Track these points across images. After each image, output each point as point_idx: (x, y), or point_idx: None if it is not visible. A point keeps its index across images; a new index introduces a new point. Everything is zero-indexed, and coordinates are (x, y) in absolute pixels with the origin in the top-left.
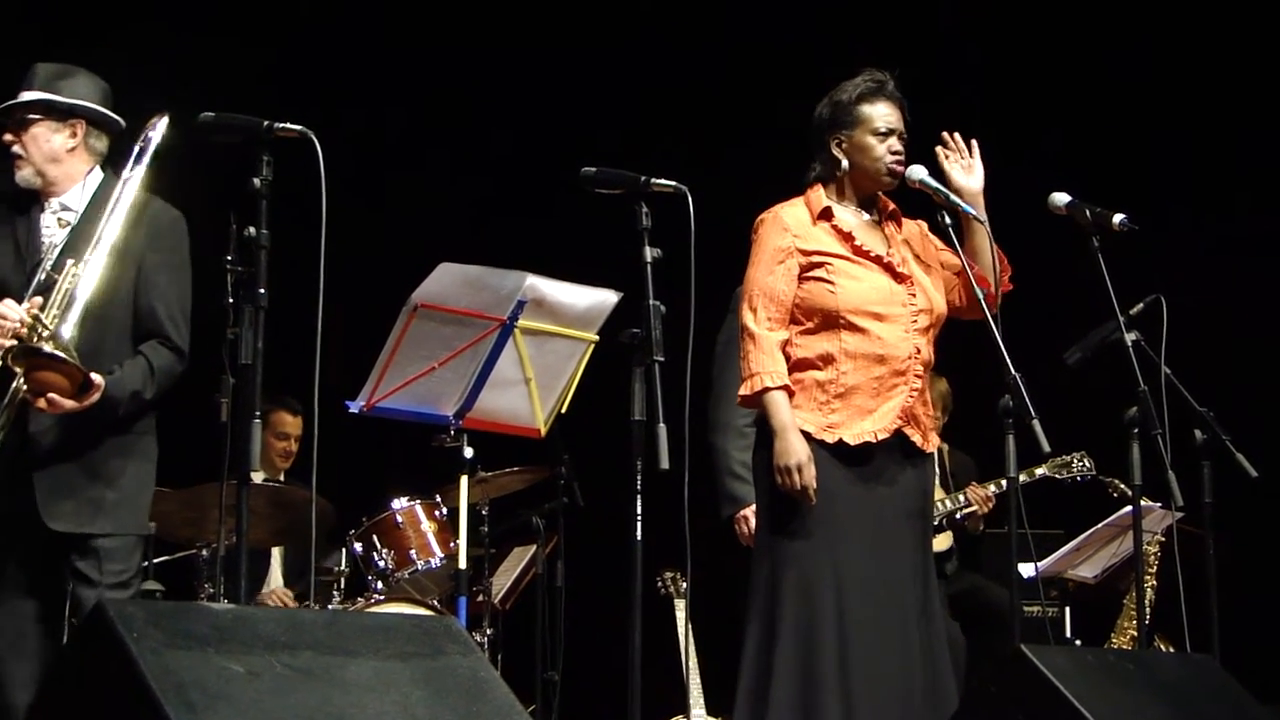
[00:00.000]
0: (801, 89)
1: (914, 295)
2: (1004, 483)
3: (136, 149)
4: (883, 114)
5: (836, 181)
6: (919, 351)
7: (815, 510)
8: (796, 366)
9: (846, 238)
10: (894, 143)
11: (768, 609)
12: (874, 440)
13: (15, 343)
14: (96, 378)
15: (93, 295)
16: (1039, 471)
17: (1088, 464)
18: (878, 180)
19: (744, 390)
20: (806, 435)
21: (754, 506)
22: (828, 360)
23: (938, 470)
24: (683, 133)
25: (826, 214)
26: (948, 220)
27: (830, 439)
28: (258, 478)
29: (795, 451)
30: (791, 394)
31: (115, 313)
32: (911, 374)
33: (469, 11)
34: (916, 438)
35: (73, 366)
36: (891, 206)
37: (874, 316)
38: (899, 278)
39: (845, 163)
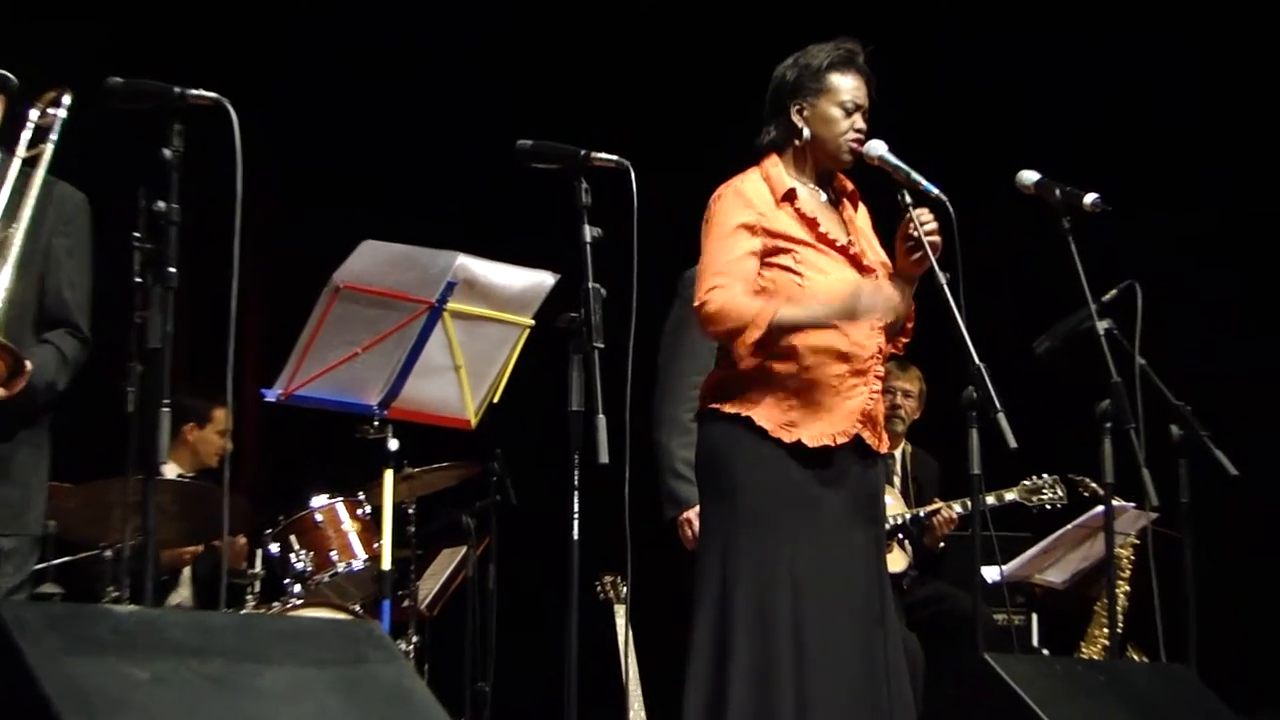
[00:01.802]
0: (756, 56)
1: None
2: (969, 502)
3: (32, 128)
4: (851, 87)
5: (794, 151)
6: (880, 351)
7: (768, 513)
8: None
9: (811, 224)
10: (858, 120)
11: (717, 620)
12: (833, 444)
13: None
14: (28, 363)
15: (10, 283)
16: (1008, 496)
17: (1060, 492)
18: (836, 157)
19: (748, 343)
20: (762, 432)
21: (698, 508)
22: (788, 354)
23: (899, 474)
24: (625, 104)
25: (790, 196)
26: (908, 199)
27: (788, 438)
28: (170, 472)
29: (847, 292)
30: (754, 378)
31: (25, 299)
32: (872, 374)
33: None
34: (872, 441)
35: (6, 349)
36: (850, 187)
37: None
38: (863, 270)
39: (806, 132)
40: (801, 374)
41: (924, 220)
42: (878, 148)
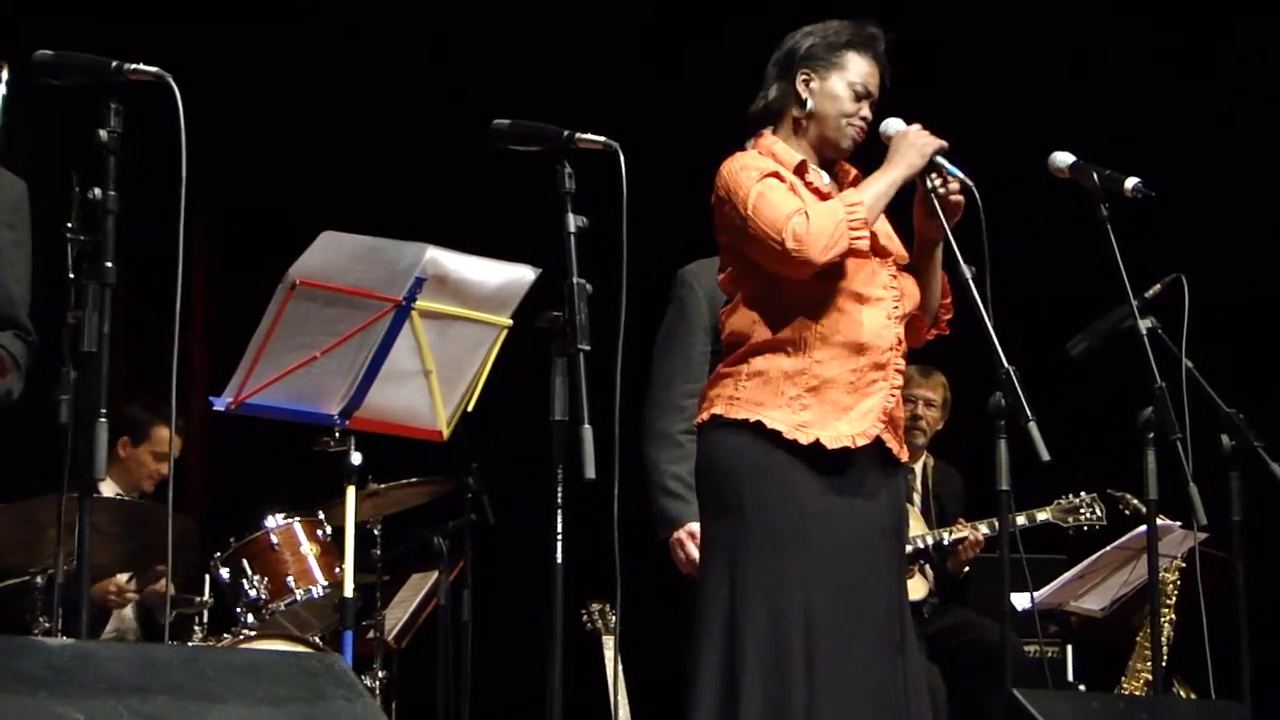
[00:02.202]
0: (760, 29)
1: (895, 277)
2: (996, 522)
3: None
4: (865, 71)
5: (791, 123)
6: (900, 342)
7: (780, 532)
8: (758, 350)
9: (825, 199)
10: (865, 108)
11: (724, 657)
12: (853, 446)
13: None
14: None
15: None
16: (1041, 516)
17: (1098, 512)
18: (835, 142)
19: (835, 243)
20: (775, 435)
21: (693, 525)
22: (798, 346)
23: (919, 491)
24: (614, 81)
25: (802, 169)
26: (934, 183)
27: (804, 439)
28: (108, 491)
29: (896, 149)
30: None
31: None
32: (892, 368)
33: None
34: (894, 446)
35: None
36: (855, 173)
37: (856, 298)
38: (881, 253)
39: (810, 104)
40: (814, 367)
41: (945, 184)
42: (894, 125)
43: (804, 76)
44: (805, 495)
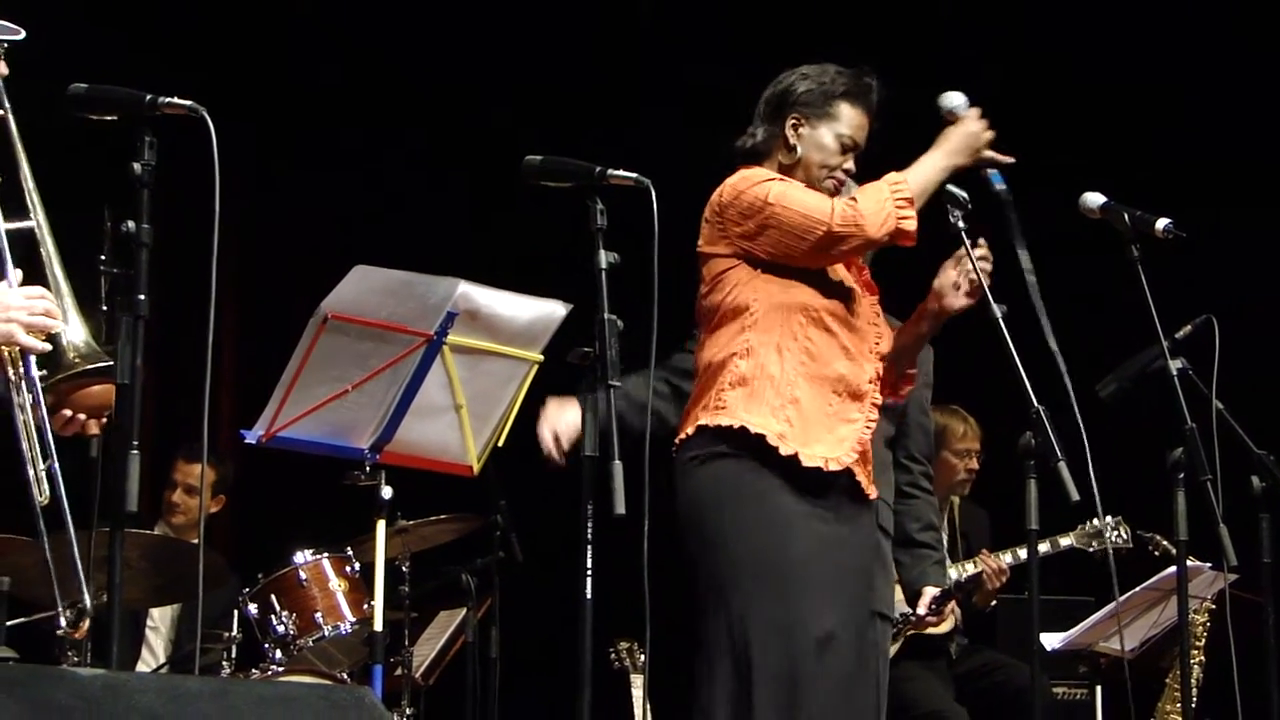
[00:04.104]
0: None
1: (878, 315)
2: (1021, 552)
3: None
4: (856, 124)
5: (778, 167)
6: (879, 378)
7: (776, 558)
8: (745, 353)
9: None
10: (849, 161)
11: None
12: (825, 468)
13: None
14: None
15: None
16: (1064, 541)
17: (1123, 534)
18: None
19: (912, 217)
20: (759, 440)
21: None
22: (785, 355)
23: (945, 529)
24: (646, 119)
25: None
26: (961, 224)
27: (785, 450)
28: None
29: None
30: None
31: None
32: (869, 401)
33: None
34: (863, 480)
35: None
36: None
37: (845, 323)
38: (869, 288)
39: (799, 150)
40: (798, 381)
41: (980, 255)
42: (954, 99)
43: (794, 121)
44: (793, 513)
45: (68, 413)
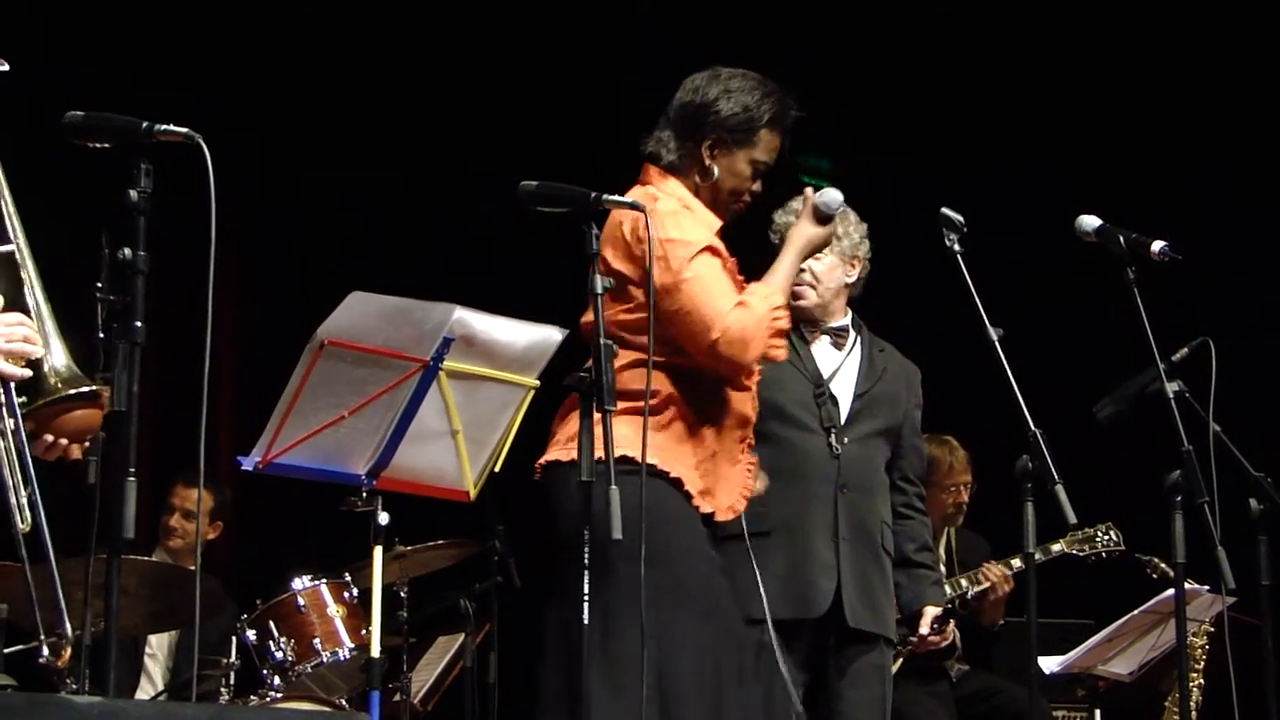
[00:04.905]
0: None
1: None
2: (1014, 562)
3: None
4: (773, 147)
5: (690, 185)
6: (752, 418)
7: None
8: (666, 400)
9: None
10: (757, 185)
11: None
12: (727, 519)
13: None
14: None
15: None
16: (1055, 548)
17: (1114, 536)
18: (719, 213)
19: (779, 343)
20: (676, 483)
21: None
22: (703, 405)
23: (943, 558)
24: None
25: (720, 234)
26: (957, 247)
27: (705, 508)
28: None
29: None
30: None
31: None
32: (748, 443)
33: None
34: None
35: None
36: None
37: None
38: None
39: (715, 173)
40: (715, 435)
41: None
42: (832, 199)
43: (711, 144)
44: (702, 557)
45: (49, 438)
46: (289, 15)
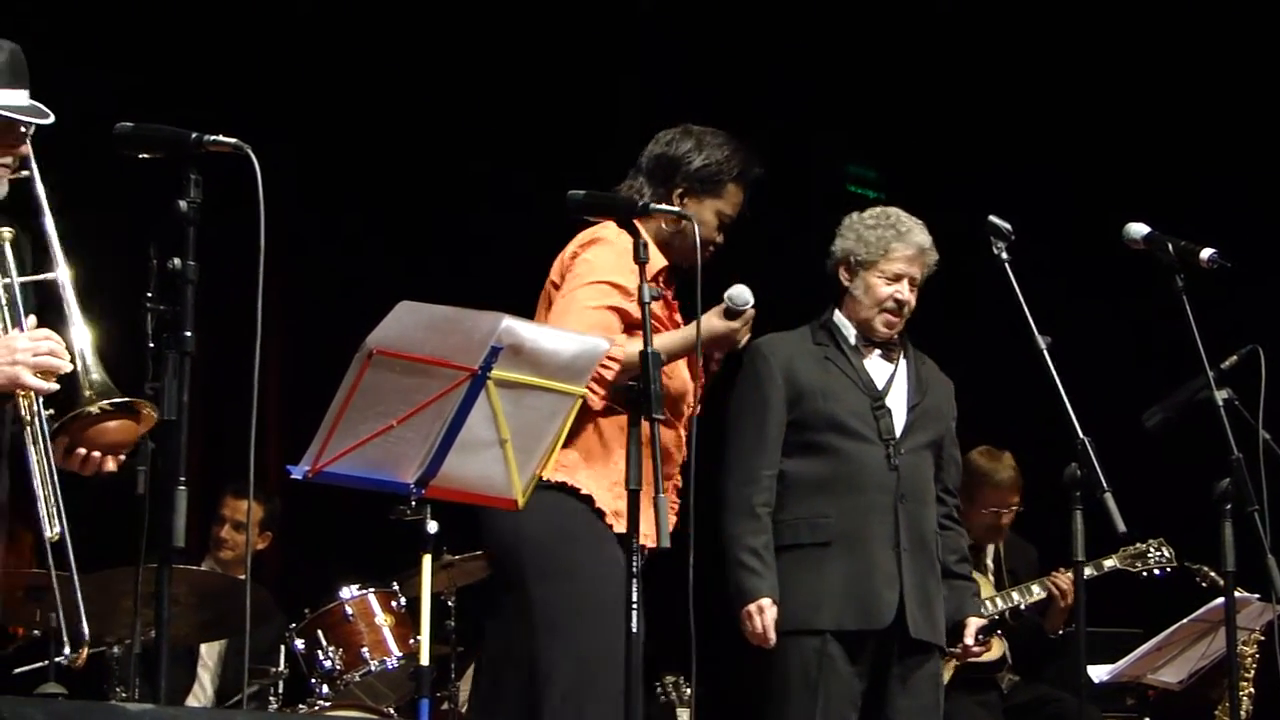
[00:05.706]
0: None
1: (699, 396)
2: (1087, 569)
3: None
4: (737, 202)
5: (654, 233)
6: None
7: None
8: (585, 420)
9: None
10: (720, 237)
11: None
12: (648, 547)
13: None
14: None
15: None
16: (1107, 564)
17: (1166, 554)
18: (682, 261)
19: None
20: (595, 506)
21: (765, 600)
22: (624, 440)
23: (991, 565)
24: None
25: (663, 274)
26: (1005, 255)
27: (618, 528)
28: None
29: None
30: None
31: None
32: (674, 483)
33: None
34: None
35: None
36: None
37: (676, 410)
38: (694, 375)
39: (684, 224)
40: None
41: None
42: (740, 296)
43: (680, 191)
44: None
45: (83, 451)
46: (289, 15)
